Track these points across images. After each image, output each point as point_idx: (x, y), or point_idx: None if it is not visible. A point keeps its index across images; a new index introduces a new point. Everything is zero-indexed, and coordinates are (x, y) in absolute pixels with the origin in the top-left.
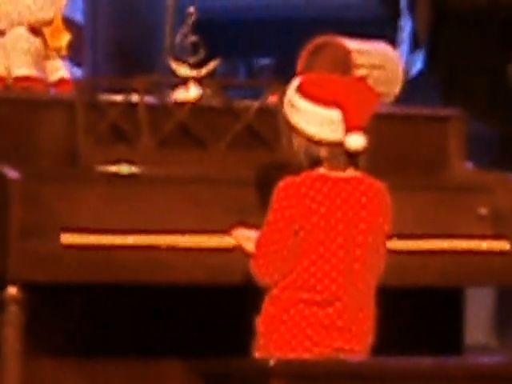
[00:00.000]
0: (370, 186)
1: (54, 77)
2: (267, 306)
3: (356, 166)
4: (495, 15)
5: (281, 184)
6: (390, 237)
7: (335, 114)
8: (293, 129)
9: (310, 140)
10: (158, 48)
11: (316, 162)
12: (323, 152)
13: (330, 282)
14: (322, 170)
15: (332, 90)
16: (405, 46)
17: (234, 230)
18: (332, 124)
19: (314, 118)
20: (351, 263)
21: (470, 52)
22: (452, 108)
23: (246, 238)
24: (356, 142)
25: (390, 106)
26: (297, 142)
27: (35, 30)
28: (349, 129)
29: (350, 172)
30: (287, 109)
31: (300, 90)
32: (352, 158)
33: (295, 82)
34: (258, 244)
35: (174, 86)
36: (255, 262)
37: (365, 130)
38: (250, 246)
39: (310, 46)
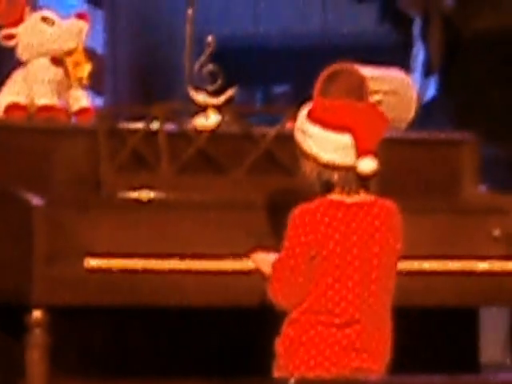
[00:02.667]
0: (382, 207)
1: (75, 106)
2: (286, 328)
3: (367, 189)
4: (507, 40)
5: (296, 211)
6: (405, 258)
7: (346, 139)
8: (304, 154)
9: (322, 165)
10: (178, 76)
11: (328, 187)
12: (335, 177)
13: (347, 305)
14: (334, 195)
15: (342, 114)
16: (418, 72)
17: (253, 253)
18: (344, 149)
19: (325, 143)
20: (368, 285)
21: (482, 77)
22: (465, 132)
23: (264, 260)
24: (368, 165)
25: (404, 131)
26: (309, 167)
27: (57, 61)
28: (361, 153)
29: (362, 196)
30: (298, 135)
31: (310, 115)
32: (363, 181)
33: (305, 109)
34: (274, 269)
35: (194, 114)
36: (272, 286)
37: (376, 154)
38: (268, 269)
39: (325, 73)
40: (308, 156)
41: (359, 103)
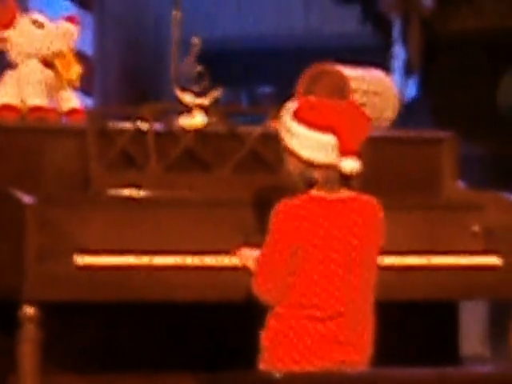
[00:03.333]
0: (363, 203)
1: (66, 107)
2: (271, 321)
3: (349, 187)
4: (485, 41)
5: (278, 206)
6: (387, 253)
7: (330, 139)
8: (288, 152)
9: (305, 163)
10: (165, 78)
11: (310, 184)
12: (318, 175)
13: (330, 298)
14: (315, 192)
15: (326, 115)
16: (398, 72)
17: (239, 250)
18: (327, 148)
19: (309, 142)
20: (350, 279)
21: (460, 77)
22: (444, 131)
23: (250, 257)
24: (350, 165)
25: (385, 130)
26: (292, 164)
27: (48, 63)
28: (343, 153)
29: (344, 193)
30: (283, 133)
31: (295, 115)
32: (345, 180)
33: (290, 107)
34: (258, 264)
35: (181, 114)
36: (255, 281)
37: (358, 154)
38: (253, 265)
39: (308, 74)
40: (291, 153)
41: (344, 103)
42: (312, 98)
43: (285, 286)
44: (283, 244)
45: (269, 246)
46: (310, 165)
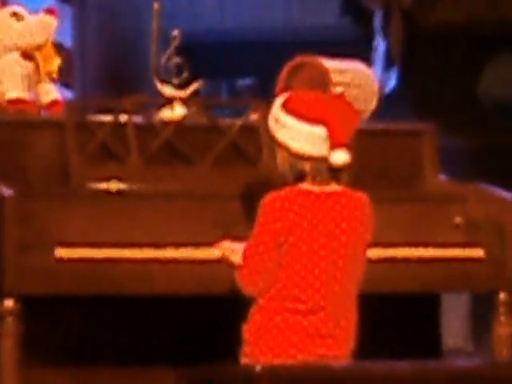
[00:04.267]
0: (351, 198)
1: (45, 99)
2: (253, 314)
3: (338, 181)
4: (465, 33)
5: (266, 198)
6: (370, 246)
7: (320, 131)
8: (278, 144)
9: (294, 155)
10: (144, 70)
11: (300, 177)
12: (307, 167)
13: (313, 292)
14: (305, 185)
15: (317, 107)
16: (379, 64)
17: (220, 243)
18: (317, 140)
19: (299, 134)
20: (334, 273)
21: (441, 69)
22: (425, 123)
23: (231, 250)
24: (341, 158)
25: (366, 122)
26: (281, 156)
27: (27, 55)
28: (334, 145)
29: (333, 186)
30: (272, 125)
31: (285, 106)
32: (335, 173)
33: (280, 98)
34: (244, 256)
35: (160, 106)
36: (241, 272)
37: (349, 147)
38: (234, 258)
39: (288, 66)
40: (280, 145)
41: (332, 96)
42: (301, 91)
43: (270, 278)
44: (269, 236)
45: (255, 238)
46: (300, 157)
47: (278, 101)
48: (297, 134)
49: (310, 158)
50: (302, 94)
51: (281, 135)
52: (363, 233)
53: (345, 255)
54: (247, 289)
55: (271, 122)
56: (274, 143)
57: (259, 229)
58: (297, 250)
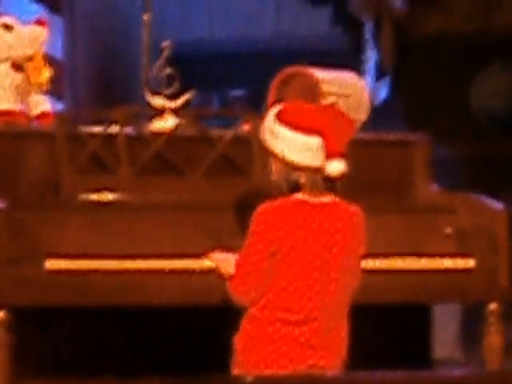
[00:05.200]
0: (345, 210)
1: (36, 110)
2: (245, 324)
3: (333, 191)
4: (456, 43)
5: (260, 208)
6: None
7: (316, 141)
8: (273, 155)
9: (289, 166)
10: (135, 81)
11: (295, 188)
12: (303, 178)
13: (305, 302)
14: (300, 196)
15: (312, 117)
16: (370, 74)
17: (211, 254)
18: (312, 151)
19: (294, 145)
20: (326, 284)
21: (432, 79)
22: (416, 133)
23: (221, 260)
24: (337, 168)
25: (357, 132)
26: (276, 167)
27: (17, 67)
28: (329, 155)
29: (328, 197)
30: (266, 136)
31: (280, 117)
32: (331, 183)
33: (274, 109)
34: (237, 265)
35: (151, 117)
36: (233, 282)
37: (344, 156)
38: (225, 268)
39: (279, 77)
40: (275, 156)
41: (326, 106)
42: (295, 101)
43: (262, 287)
44: (262, 245)
45: (248, 248)
46: (295, 168)
47: (272, 112)
48: (292, 144)
49: (305, 169)
50: (296, 105)
51: (276, 146)
52: (357, 245)
53: (337, 266)
54: (239, 298)
55: (265, 133)
56: (269, 154)
57: (253, 238)
58: (290, 260)
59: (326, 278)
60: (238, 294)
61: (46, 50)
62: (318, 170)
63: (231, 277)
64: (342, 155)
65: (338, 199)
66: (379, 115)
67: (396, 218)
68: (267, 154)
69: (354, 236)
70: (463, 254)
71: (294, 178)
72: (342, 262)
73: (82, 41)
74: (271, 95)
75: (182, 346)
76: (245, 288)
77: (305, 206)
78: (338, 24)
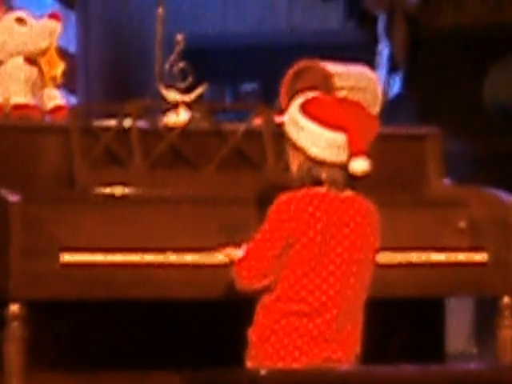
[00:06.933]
0: (363, 205)
1: (49, 104)
2: (259, 317)
3: (353, 189)
4: (470, 37)
5: (282, 197)
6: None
7: (341, 138)
8: (295, 147)
9: (312, 161)
10: (149, 74)
11: (316, 182)
12: (324, 173)
13: (320, 293)
14: (321, 190)
15: (338, 113)
16: (383, 68)
17: (222, 247)
18: (337, 147)
19: (319, 140)
20: (347, 278)
21: (445, 73)
22: (429, 127)
23: (233, 255)
24: (360, 166)
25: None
26: (298, 160)
27: (31, 60)
28: (354, 153)
29: (347, 193)
30: (290, 127)
31: (305, 110)
32: (352, 181)
33: (298, 100)
34: (248, 249)
35: (165, 111)
36: (240, 264)
37: (368, 154)
38: (236, 255)
39: (292, 71)
40: (299, 149)
41: (351, 102)
42: (322, 95)
43: (267, 277)
44: (279, 234)
45: (263, 234)
46: (316, 162)
47: (296, 102)
48: (317, 139)
49: (328, 164)
50: (322, 98)
51: (300, 139)
52: (373, 240)
53: (358, 260)
54: (242, 282)
55: (289, 124)
56: (290, 146)
57: (269, 226)
58: (307, 252)
59: (347, 272)
60: (242, 278)
61: (59, 44)
62: (340, 166)
63: (239, 260)
64: (366, 153)
65: (355, 194)
66: (392, 109)
67: (409, 211)
68: (288, 145)
69: (371, 231)
70: (477, 248)
71: (315, 173)
72: (362, 256)
73: (95, 34)
74: (284, 89)
75: (194, 340)
76: (250, 273)
77: (325, 199)
78: (351, 18)
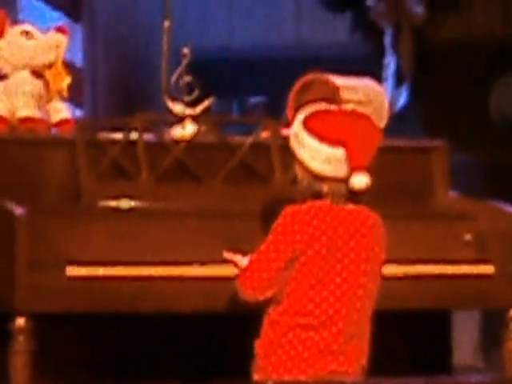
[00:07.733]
0: (368, 217)
1: (56, 117)
2: (266, 329)
3: (356, 203)
4: (476, 49)
5: (287, 210)
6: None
7: (340, 153)
8: (297, 162)
9: (313, 175)
10: (155, 88)
11: (318, 196)
12: (326, 187)
13: (327, 306)
14: (326, 202)
15: (338, 128)
16: (390, 81)
17: (231, 255)
18: (336, 162)
19: (318, 155)
20: (355, 290)
21: (452, 86)
22: (436, 139)
23: (239, 261)
24: (360, 181)
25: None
26: (300, 174)
27: (37, 74)
28: (353, 168)
29: (350, 206)
30: (293, 142)
31: (306, 125)
32: (354, 195)
33: (302, 114)
34: (252, 259)
35: (171, 124)
36: (243, 274)
37: (368, 169)
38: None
39: (299, 84)
40: (300, 163)
41: (355, 114)
42: (322, 106)
43: (270, 288)
44: (284, 246)
45: (267, 245)
46: (318, 177)
47: (300, 117)
48: (316, 154)
49: (328, 179)
50: (323, 112)
51: (301, 154)
52: (379, 252)
53: (365, 272)
54: (245, 292)
55: (293, 140)
56: (295, 159)
57: (274, 238)
58: (313, 264)
59: (355, 284)
60: (244, 288)
61: (66, 58)
62: (341, 181)
63: (242, 270)
64: (366, 168)
65: (360, 206)
66: (398, 121)
67: (415, 224)
68: (293, 159)
69: (377, 243)
70: (483, 260)
71: (317, 187)
72: (368, 268)
73: (101, 48)
74: (291, 102)
75: (202, 352)
76: (252, 283)
77: (330, 212)
78: (358, 31)
